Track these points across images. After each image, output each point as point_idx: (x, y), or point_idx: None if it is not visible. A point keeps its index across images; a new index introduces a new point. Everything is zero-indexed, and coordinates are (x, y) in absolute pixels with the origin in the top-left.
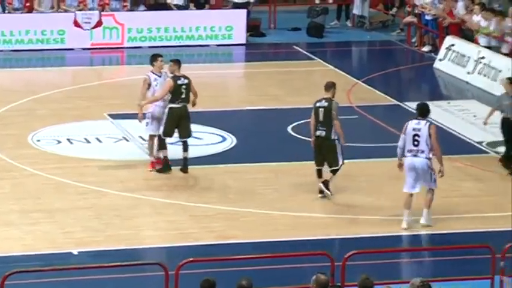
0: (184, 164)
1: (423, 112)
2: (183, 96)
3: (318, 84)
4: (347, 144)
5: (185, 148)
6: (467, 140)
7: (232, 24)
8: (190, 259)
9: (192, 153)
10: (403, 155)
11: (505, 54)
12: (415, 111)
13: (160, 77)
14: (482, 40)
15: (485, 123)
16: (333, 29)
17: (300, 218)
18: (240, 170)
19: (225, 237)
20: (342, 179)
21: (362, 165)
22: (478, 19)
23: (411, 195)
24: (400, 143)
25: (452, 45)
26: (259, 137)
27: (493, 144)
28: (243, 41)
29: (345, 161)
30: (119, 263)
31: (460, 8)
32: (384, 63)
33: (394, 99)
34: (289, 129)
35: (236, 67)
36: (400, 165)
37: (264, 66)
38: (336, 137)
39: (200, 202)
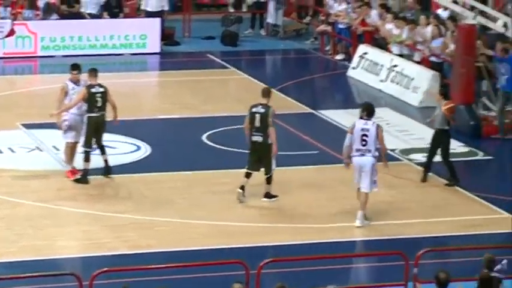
0: (107, 167)
1: (370, 112)
2: (99, 104)
3: (232, 92)
4: None
5: (103, 151)
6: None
7: (146, 33)
8: (105, 269)
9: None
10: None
11: (417, 62)
12: (360, 112)
13: (78, 85)
14: (395, 48)
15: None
16: (247, 38)
17: (215, 227)
18: (154, 179)
19: (140, 246)
20: (257, 187)
21: (276, 173)
22: (390, 27)
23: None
24: (346, 142)
25: (366, 53)
26: (174, 146)
27: (405, 152)
28: (157, 50)
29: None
30: (33, 274)
31: (373, 16)
32: (297, 71)
33: (308, 108)
34: (203, 137)
35: (150, 76)
36: (347, 165)
37: (178, 75)
38: (271, 142)
39: (114, 212)
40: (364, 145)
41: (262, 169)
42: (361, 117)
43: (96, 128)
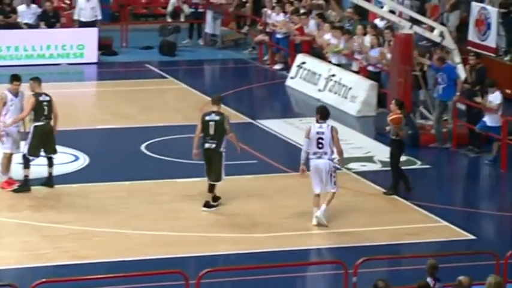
0: (50, 179)
1: (325, 115)
2: (46, 113)
3: (171, 102)
4: (201, 162)
5: (50, 164)
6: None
7: (84, 43)
8: (43, 280)
9: (45, 172)
10: (307, 158)
11: (355, 72)
12: (315, 115)
13: (16, 97)
14: (333, 58)
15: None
16: (185, 48)
17: (154, 237)
18: (93, 190)
19: (79, 257)
20: (184, 197)
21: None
22: (328, 37)
23: (318, 195)
24: (304, 147)
25: (304, 63)
26: (113, 156)
27: (344, 161)
28: (95, 60)
29: (198, 179)
30: None
31: (311, 26)
32: (236, 81)
33: (247, 117)
34: (142, 147)
35: (88, 86)
36: (303, 171)
37: (116, 85)
38: (224, 150)
39: (54, 222)
40: (320, 148)
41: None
42: (316, 121)
43: (44, 137)
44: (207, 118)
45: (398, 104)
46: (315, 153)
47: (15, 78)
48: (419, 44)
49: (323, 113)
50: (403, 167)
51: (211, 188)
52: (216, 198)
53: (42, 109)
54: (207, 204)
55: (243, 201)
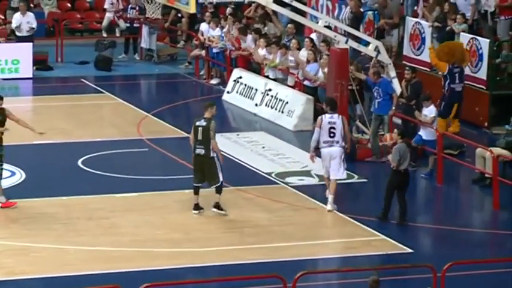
0: None
1: (334, 106)
2: None
3: (107, 117)
4: (139, 177)
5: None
6: (257, 171)
7: (19, 57)
8: None
9: None
10: (317, 148)
11: (291, 87)
12: (324, 107)
13: None
14: (271, 73)
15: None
16: (121, 63)
17: (92, 252)
18: (30, 205)
19: (15, 273)
20: (121, 212)
21: (152, 197)
22: (263, 53)
23: (328, 178)
24: (315, 136)
25: (240, 77)
26: (49, 171)
27: (281, 175)
28: (30, 75)
29: (136, 194)
30: None
31: (249, 42)
32: (172, 96)
33: (183, 132)
34: (79, 162)
35: (23, 101)
36: (312, 157)
37: (51, 100)
38: (214, 155)
39: None
40: (332, 137)
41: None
42: (326, 112)
43: None
44: (197, 123)
45: (401, 134)
46: (326, 142)
47: None
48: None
49: (332, 104)
50: (340, 181)
51: (218, 190)
52: (217, 205)
53: None
54: (216, 206)
55: (180, 215)
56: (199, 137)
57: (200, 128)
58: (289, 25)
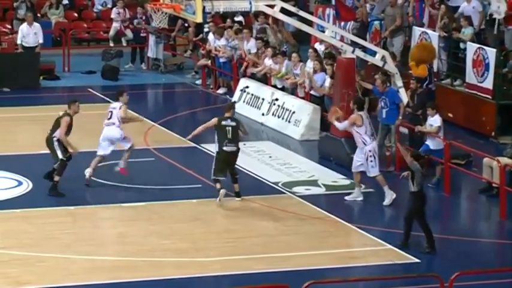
0: None
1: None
2: None
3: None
4: (146, 186)
5: None
6: (264, 180)
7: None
8: None
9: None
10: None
11: (301, 97)
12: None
13: None
14: (278, 82)
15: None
16: (128, 72)
17: (98, 262)
18: (36, 214)
19: (20, 283)
20: (128, 222)
21: (159, 207)
22: (270, 62)
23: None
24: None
25: (247, 87)
26: None
27: (288, 185)
28: (36, 85)
29: (143, 203)
30: None
31: (252, 47)
32: (179, 105)
33: (190, 142)
34: (86, 172)
35: (30, 111)
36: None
37: (58, 109)
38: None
39: None
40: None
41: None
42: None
43: None
44: (224, 123)
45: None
46: (372, 135)
47: None
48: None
49: (363, 103)
50: (346, 191)
51: (237, 180)
52: (238, 194)
53: None
54: (238, 194)
55: (187, 225)
56: (230, 136)
57: (229, 128)
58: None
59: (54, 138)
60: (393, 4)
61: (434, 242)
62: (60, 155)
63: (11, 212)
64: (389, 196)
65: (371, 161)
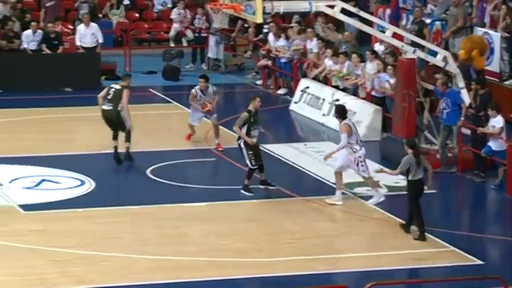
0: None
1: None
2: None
3: (175, 127)
4: (207, 186)
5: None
6: (324, 181)
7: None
8: None
9: (51, 197)
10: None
11: (363, 98)
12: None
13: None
14: (339, 82)
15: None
16: (189, 72)
17: (159, 261)
18: (99, 214)
19: (85, 282)
20: (189, 222)
21: (220, 207)
22: (330, 63)
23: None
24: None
25: (307, 87)
26: (118, 181)
27: (349, 185)
28: (97, 85)
29: (204, 204)
30: None
31: (313, 47)
32: (240, 105)
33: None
34: (148, 172)
35: (91, 110)
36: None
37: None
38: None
39: (59, 246)
40: None
41: None
42: None
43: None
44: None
45: (410, 144)
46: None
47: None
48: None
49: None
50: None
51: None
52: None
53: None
54: (265, 182)
55: (248, 226)
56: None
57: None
58: (346, 32)
59: (120, 111)
60: (457, 4)
61: (425, 232)
62: (127, 125)
63: (73, 212)
64: (376, 198)
65: (362, 166)
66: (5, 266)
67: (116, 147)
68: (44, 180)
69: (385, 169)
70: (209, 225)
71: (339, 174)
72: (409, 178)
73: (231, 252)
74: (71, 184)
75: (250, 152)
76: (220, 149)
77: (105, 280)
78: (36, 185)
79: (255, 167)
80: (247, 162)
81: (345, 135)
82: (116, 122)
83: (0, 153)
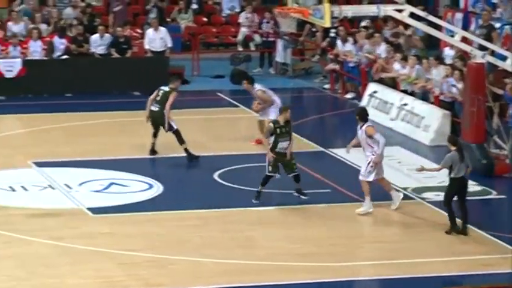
0: None
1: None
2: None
3: (242, 131)
4: (274, 190)
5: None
6: (393, 186)
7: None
8: None
9: (119, 200)
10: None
11: (431, 103)
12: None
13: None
14: (407, 87)
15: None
16: (256, 76)
17: (227, 265)
18: (167, 217)
19: (152, 284)
20: (257, 226)
21: (288, 211)
22: (398, 67)
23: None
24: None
25: (375, 92)
26: (186, 184)
27: (418, 190)
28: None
29: (272, 208)
30: None
31: (382, 52)
32: (307, 110)
33: (318, 146)
34: (215, 176)
35: None
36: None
37: (187, 113)
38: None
39: (127, 249)
40: None
41: None
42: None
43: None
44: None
45: (452, 141)
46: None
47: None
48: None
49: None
50: (477, 197)
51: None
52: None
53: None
54: (300, 191)
55: (317, 230)
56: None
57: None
58: (414, 37)
59: (165, 112)
60: None
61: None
62: (174, 126)
63: (142, 215)
64: (367, 207)
65: (371, 166)
66: (74, 269)
67: (153, 144)
68: (112, 183)
69: (426, 167)
70: (277, 229)
71: (365, 181)
72: (452, 175)
73: (300, 257)
74: (139, 188)
75: (271, 165)
76: (255, 143)
77: (172, 283)
78: (105, 188)
79: (271, 175)
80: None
81: (379, 134)
82: (159, 123)
83: (70, 157)
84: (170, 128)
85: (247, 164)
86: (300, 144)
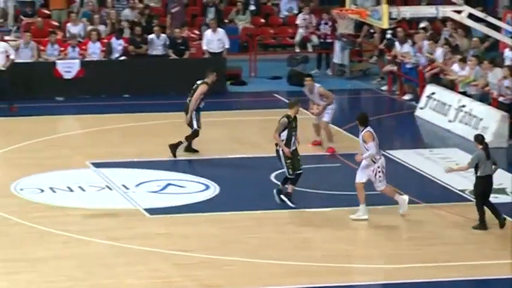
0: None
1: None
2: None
3: (299, 131)
4: (331, 192)
5: None
6: (450, 188)
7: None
8: None
9: (176, 201)
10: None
11: (489, 104)
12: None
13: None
14: (466, 88)
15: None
16: (314, 78)
17: (283, 267)
18: (223, 218)
19: (208, 285)
20: (314, 228)
21: (344, 213)
22: (457, 69)
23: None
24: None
25: (433, 93)
26: (242, 185)
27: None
28: (223, 90)
29: (329, 209)
30: None
31: (439, 55)
32: (365, 111)
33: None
34: (272, 177)
35: (217, 115)
36: None
37: (245, 114)
38: (278, 149)
39: (183, 250)
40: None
41: None
42: None
43: None
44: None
45: (479, 140)
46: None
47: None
48: None
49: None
50: None
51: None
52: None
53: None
54: (288, 196)
55: (373, 232)
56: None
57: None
58: (474, 38)
59: (191, 104)
60: None
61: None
62: (195, 125)
63: (198, 216)
64: (403, 203)
65: (379, 177)
66: (130, 270)
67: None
68: (169, 184)
69: (454, 167)
70: (334, 230)
71: (360, 186)
72: (478, 174)
73: (356, 258)
74: (195, 188)
75: (288, 161)
76: (331, 152)
77: (228, 284)
78: (162, 189)
79: (292, 176)
80: (285, 170)
81: (373, 144)
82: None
83: (127, 157)
84: (191, 124)
85: (303, 165)
86: (357, 146)
